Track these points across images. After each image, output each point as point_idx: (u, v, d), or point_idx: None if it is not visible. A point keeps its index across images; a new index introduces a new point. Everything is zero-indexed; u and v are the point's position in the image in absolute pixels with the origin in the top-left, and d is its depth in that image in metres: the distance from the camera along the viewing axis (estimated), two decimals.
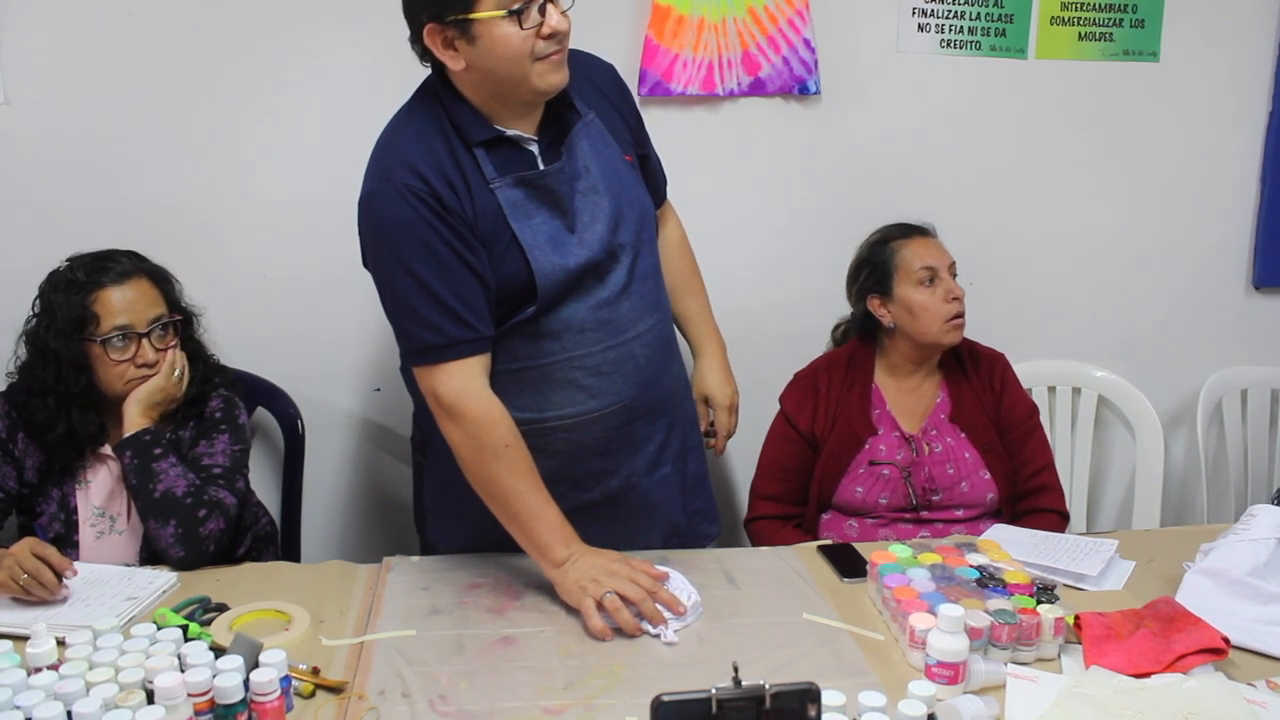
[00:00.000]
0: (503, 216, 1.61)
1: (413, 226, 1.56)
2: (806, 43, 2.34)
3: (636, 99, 1.91)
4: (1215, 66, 2.51)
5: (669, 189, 1.96)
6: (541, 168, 1.64)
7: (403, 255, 1.57)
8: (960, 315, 2.07)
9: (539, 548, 1.61)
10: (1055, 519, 2.06)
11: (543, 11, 1.52)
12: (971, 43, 2.42)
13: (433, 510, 1.90)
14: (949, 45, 2.41)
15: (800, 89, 2.37)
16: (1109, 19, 2.45)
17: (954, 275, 2.09)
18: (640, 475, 1.78)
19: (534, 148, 1.65)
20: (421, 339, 1.60)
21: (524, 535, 1.62)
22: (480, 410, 1.59)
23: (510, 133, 1.62)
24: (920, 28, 2.39)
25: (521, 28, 1.51)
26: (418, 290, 1.57)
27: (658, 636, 1.52)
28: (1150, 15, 2.46)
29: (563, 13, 1.54)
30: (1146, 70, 2.49)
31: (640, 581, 1.56)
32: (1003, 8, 2.41)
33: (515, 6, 1.50)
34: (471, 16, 1.50)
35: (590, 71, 1.74)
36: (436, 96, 1.62)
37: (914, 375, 2.13)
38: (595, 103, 1.72)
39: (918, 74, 2.42)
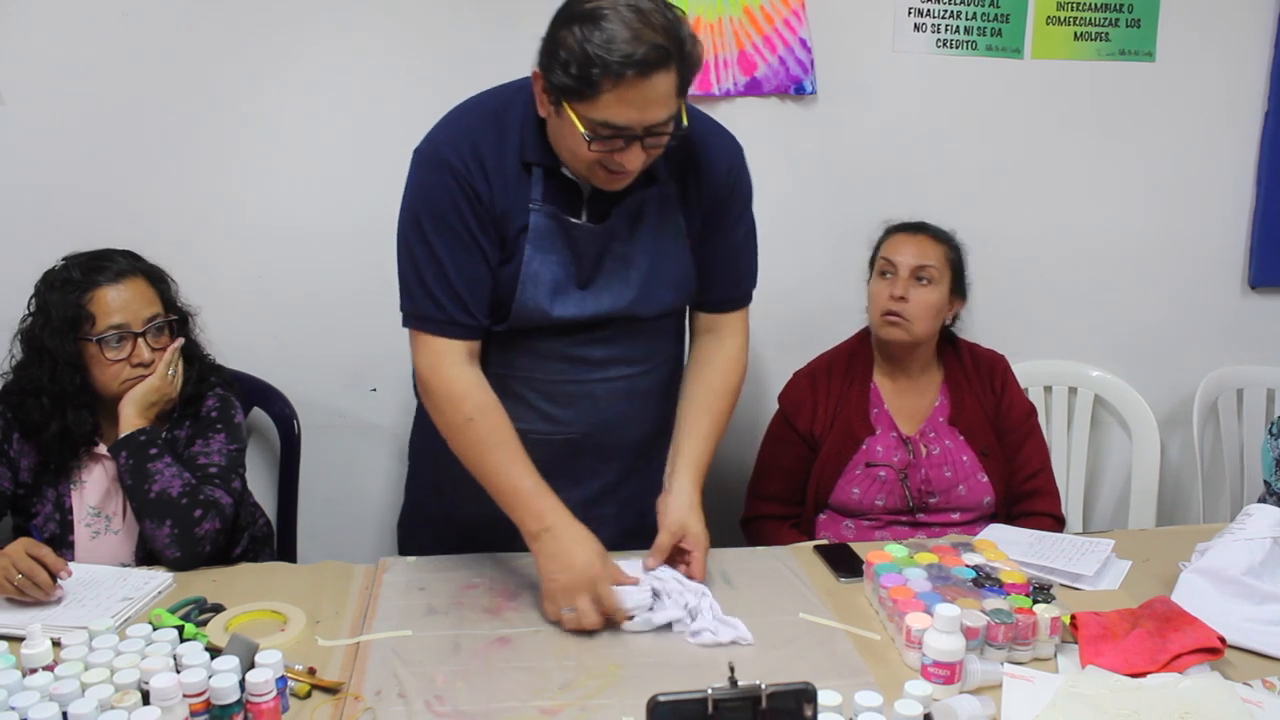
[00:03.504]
0: (525, 236, 1.60)
1: (442, 199, 1.57)
2: (803, 42, 2.34)
3: None
4: (1211, 66, 2.51)
5: None
6: (584, 215, 1.62)
7: (425, 221, 1.58)
8: (893, 314, 2.05)
9: (515, 520, 1.59)
10: (1050, 523, 2.05)
11: (627, 145, 1.47)
12: (967, 42, 2.42)
13: (403, 527, 1.96)
14: (945, 45, 2.42)
15: (796, 89, 2.37)
16: (1105, 19, 2.46)
17: (921, 280, 2.05)
18: (578, 506, 1.72)
19: (585, 189, 1.61)
20: (419, 306, 1.61)
21: (502, 506, 1.61)
22: (445, 387, 1.60)
23: (565, 170, 1.59)
24: (916, 27, 2.40)
25: (589, 149, 1.47)
26: (429, 260, 1.58)
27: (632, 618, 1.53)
28: (1146, 15, 2.46)
29: (645, 149, 1.48)
30: (1142, 70, 2.49)
31: (598, 613, 1.53)
32: (999, 7, 2.41)
33: (588, 134, 1.45)
34: (563, 101, 1.46)
35: (706, 144, 1.66)
36: (529, 102, 1.57)
37: (910, 375, 2.13)
38: (685, 174, 1.66)
39: (914, 74, 2.42)
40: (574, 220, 1.61)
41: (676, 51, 1.42)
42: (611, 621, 1.54)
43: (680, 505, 1.67)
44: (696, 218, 1.70)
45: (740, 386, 1.79)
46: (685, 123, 1.51)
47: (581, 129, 1.45)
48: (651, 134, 1.47)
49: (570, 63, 1.41)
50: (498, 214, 1.59)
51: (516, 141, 1.59)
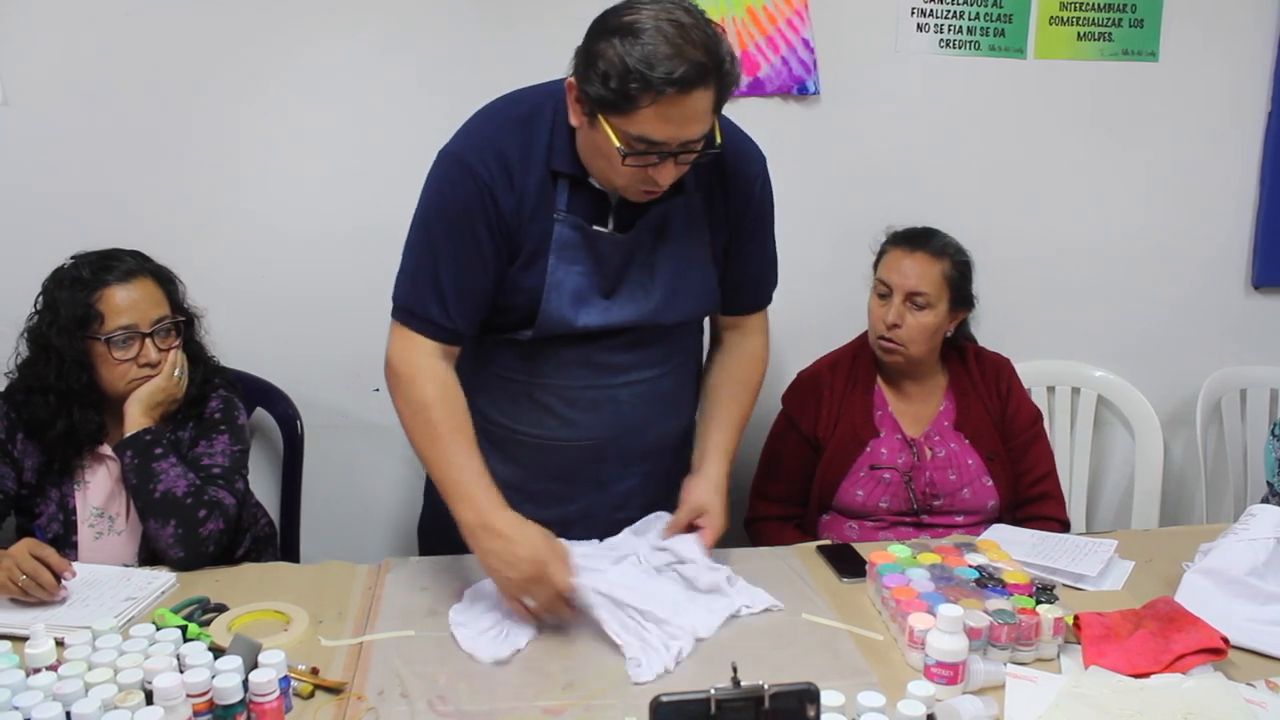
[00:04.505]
0: (549, 246, 1.60)
1: (459, 204, 1.57)
2: (805, 43, 2.34)
3: None
4: (1214, 66, 2.51)
5: None
6: (610, 224, 1.61)
7: (435, 222, 1.59)
8: (889, 341, 2.04)
9: (453, 512, 1.55)
10: (1056, 527, 2.04)
11: (661, 160, 1.46)
12: (970, 42, 2.42)
13: (423, 530, 1.97)
14: (948, 45, 2.42)
15: (799, 89, 2.37)
16: (1108, 19, 2.45)
17: (916, 305, 2.03)
18: (601, 510, 1.77)
19: (612, 199, 1.61)
20: (406, 296, 1.62)
21: (443, 496, 1.58)
22: (410, 372, 1.60)
23: (593, 180, 1.59)
24: (919, 28, 2.40)
25: (623, 164, 1.47)
26: (428, 257, 1.59)
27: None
28: (1149, 15, 2.46)
29: (678, 164, 1.48)
30: (1145, 70, 2.49)
31: (559, 599, 1.50)
32: (1002, 7, 2.41)
33: (623, 149, 1.44)
34: (598, 114, 1.45)
35: (732, 154, 1.65)
36: (559, 109, 1.56)
37: (914, 380, 2.12)
38: (711, 185, 1.66)
39: (917, 74, 2.42)
40: (599, 230, 1.61)
41: (715, 69, 1.42)
42: (576, 604, 1.50)
43: (706, 487, 1.70)
44: (723, 229, 1.69)
45: (762, 381, 1.84)
46: (719, 140, 1.50)
47: (616, 142, 1.44)
48: (686, 150, 1.47)
49: (609, 75, 1.40)
50: (517, 224, 1.59)
51: (544, 149, 1.58)
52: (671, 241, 1.65)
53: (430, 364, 1.60)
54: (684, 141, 1.45)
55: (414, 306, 1.61)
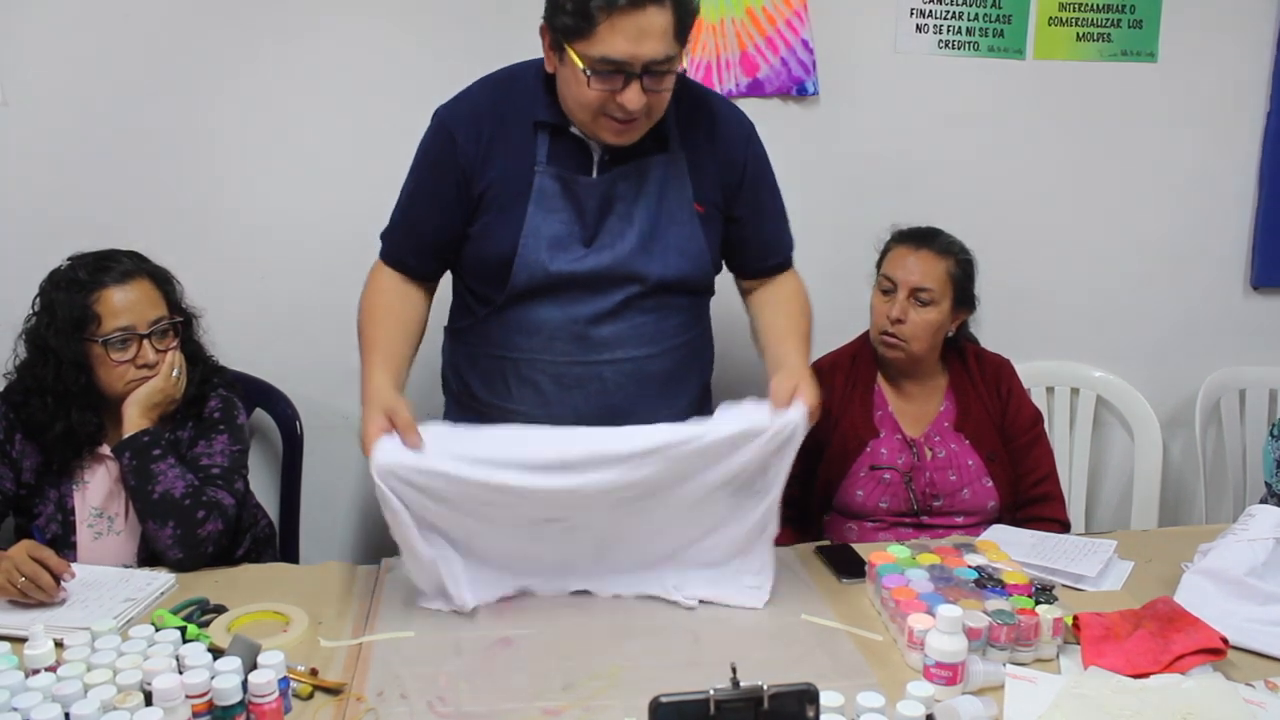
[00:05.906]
0: (528, 197, 1.65)
1: (428, 154, 1.73)
2: (805, 43, 2.34)
3: None
4: (1213, 67, 2.51)
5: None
6: (595, 174, 1.67)
7: (415, 169, 1.76)
8: (891, 337, 2.04)
9: None
10: (1056, 528, 2.03)
11: (626, 83, 1.52)
12: (970, 43, 2.42)
13: None
14: (947, 46, 2.42)
15: (798, 90, 2.37)
16: (1107, 19, 2.46)
17: (920, 301, 2.03)
18: None
19: (596, 151, 1.67)
20: (387, 226, 1.80)
21: None
22: (368, 283, 1.80)
23: (575, 130, 1.65)
24: (919, 28, 2.40)
25: (589, 87, 1.53)
26: (404, 200, 1.77)
27: None
28: (1148, 16, 2.46)
29: (646, 90, 1.53)
30: (1145, 71, 2.49)
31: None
32: (1001, 8, 2.41)
33: (587, 70, 1.51)
34: (565, 45, 1.53)
35: (719, 116, 1.74)
36: (542, 66, 1.64)
37: (914, 380, 2.12)
38: (698, 145, 1.71)
39: (916, 75, 2.42)
40: (578, 176, 1.66)
41: None
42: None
43: (796, 372, 1.63)
44: (715, 189, 1.74)
45: (811, 311, 1.85)
46: (684, 65, 1.57)
47: (581, 65, 1.50)
48: (649, 72, 1.52)
49: (568, 2, 1.49)
50: (481, 174, 1.67)
51: (526, 104, 1.66)
52: (652, 193, 1.69)
53: (377, 278, 1.79)
54: (645, 62, 1.51)
55: (385, 238, 1.79)
